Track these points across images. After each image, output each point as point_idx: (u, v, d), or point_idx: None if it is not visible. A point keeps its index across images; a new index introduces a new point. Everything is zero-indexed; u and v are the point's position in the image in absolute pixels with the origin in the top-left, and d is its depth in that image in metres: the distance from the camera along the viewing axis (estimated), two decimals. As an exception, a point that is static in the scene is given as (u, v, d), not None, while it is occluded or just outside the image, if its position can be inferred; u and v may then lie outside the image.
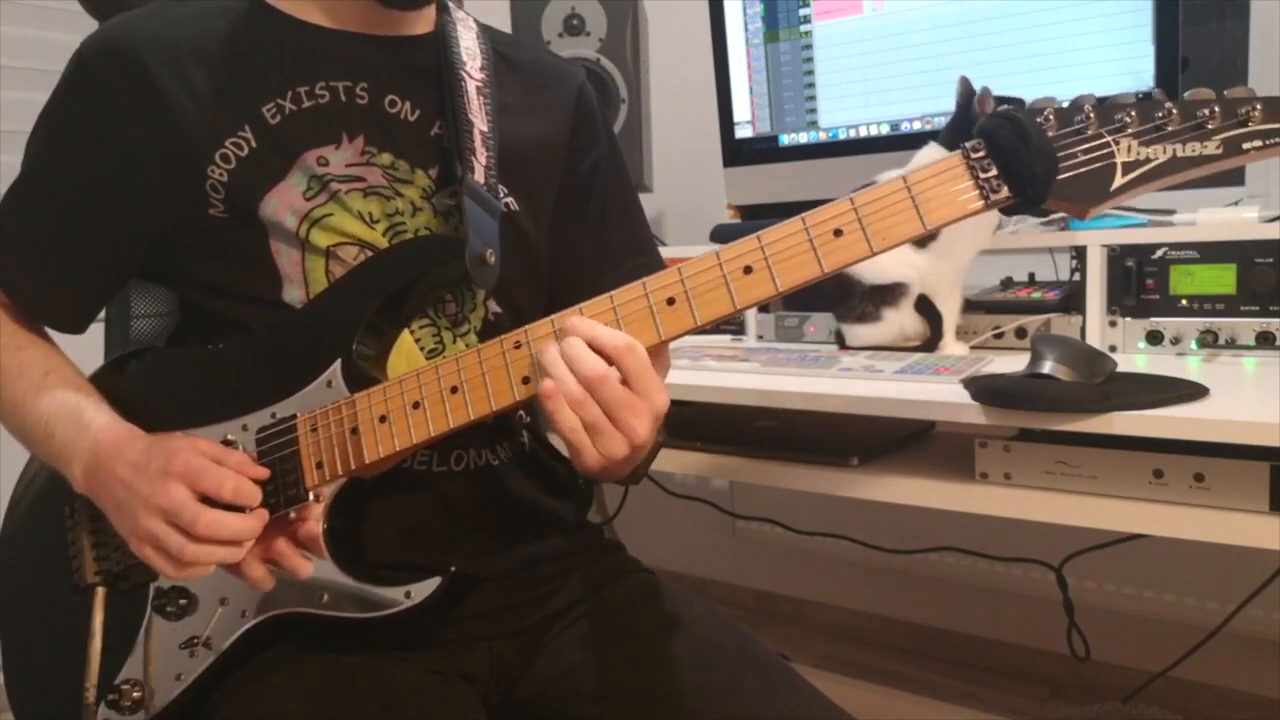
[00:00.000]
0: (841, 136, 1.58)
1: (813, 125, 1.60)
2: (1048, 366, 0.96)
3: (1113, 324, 1.22)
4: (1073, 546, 1.77)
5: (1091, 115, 0.72)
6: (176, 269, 0.91)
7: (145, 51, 0.85)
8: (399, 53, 0.90)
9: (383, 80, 0.89)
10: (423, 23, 0.93)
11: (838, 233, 0.72)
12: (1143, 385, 0.96)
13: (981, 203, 0.72)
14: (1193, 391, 0.93)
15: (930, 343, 1.27)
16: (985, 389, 0.97)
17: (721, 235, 1.65)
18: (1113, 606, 1.92)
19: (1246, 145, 0.71)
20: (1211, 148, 0.71)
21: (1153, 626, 1.87)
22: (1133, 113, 0.72)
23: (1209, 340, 1.16)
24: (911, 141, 1.36)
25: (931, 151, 1.29)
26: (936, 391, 1.04)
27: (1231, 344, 1.15)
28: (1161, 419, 0.90)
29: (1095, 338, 1.22)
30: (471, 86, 0.91)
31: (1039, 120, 0.72)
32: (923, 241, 1.27)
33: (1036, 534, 1.81)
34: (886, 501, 1.12)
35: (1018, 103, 1.22)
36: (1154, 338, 1.19)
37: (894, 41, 1.50)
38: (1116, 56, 1.33)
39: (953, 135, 1.27)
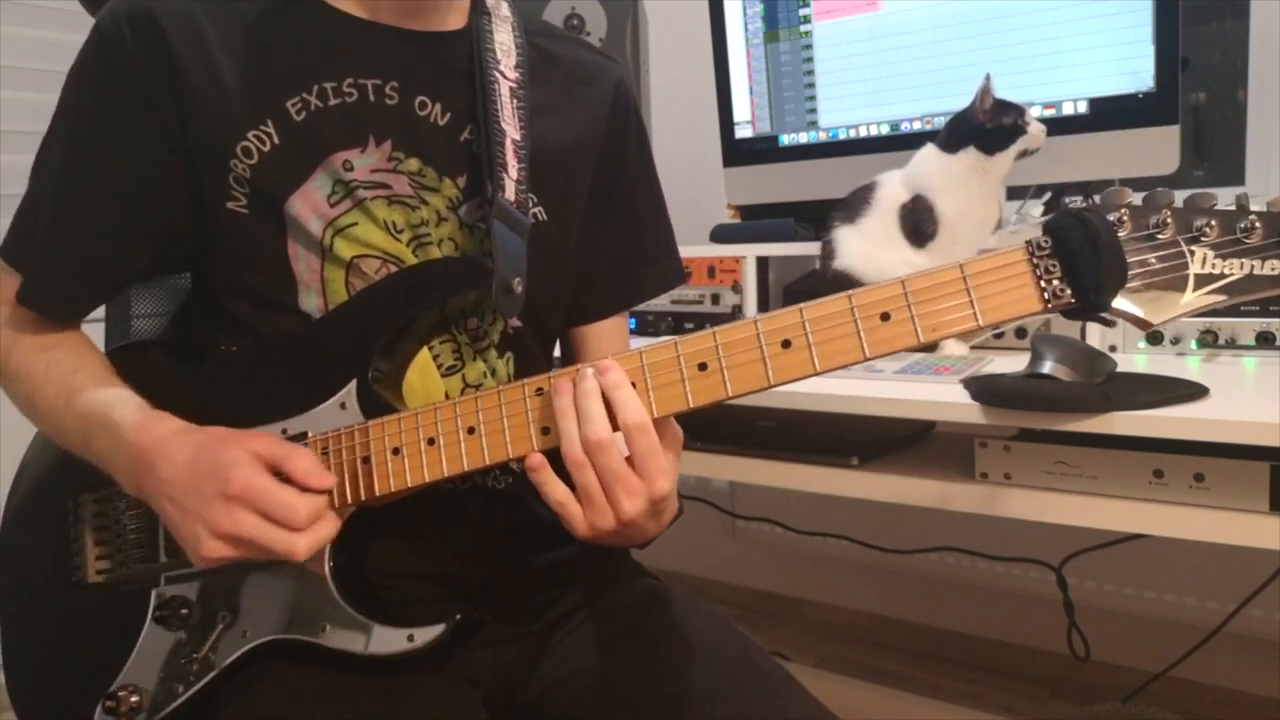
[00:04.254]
0: (841, 136, 1.58)
1: (813, 125, 1.60)
2: (1048, 366, 0.96)
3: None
4: (1073, 546, 1.77)
5: (1169, 220, 0.67)
6: (191, 260, 0.89)
7: (167, 24, 0.81)
8: (432, 50, 0.87)
9: (414, 80, 0.85)
10: (456, 16, 0.89)
11: (885, 317, 0.69)
12: (1143, 385, 0.96)
13: (1041, 306, 0.68)
14: (1193, 391, 0.93)
15: (930, 343, 1.27)
16: (985, 389, 0.97)
17: (722, 235, 1.65)
18: (1113, 606, 1.92)
19: None
20: None
21: (1153, 626, 1.87)
22: (1213, 222, 0.66)
23: (1209, 340, 1.16)
24: (911, 141, 1.36)
25: (929, 152, 1.29)
26: (936, 391, 1.04)
27: (1231, 344, 1.15)
28: (1161, 419, 0.90)
29: (1095, 338, 1.22)
30: (505, 89, 0.87)
31: (1112, 218, 0.67)
32: (922, 240, 1.28)
33: (1036, 534, 1.81)
34: (886, 501, 1.12)
35: (1017, 110, 1.23)
36: (1154, 338, 1.20)
37: (894, 41, 1.50)
38: (1116, 56, 1.33)
39: (951, 136, 1.27)
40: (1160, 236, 0.67)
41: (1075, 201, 0.66)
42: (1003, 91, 1.24)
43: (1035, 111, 1.33)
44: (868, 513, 2.10)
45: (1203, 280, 0.67)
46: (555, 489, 0.73)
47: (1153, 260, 0.67)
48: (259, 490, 0.72)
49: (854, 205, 1.34)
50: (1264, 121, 1.51)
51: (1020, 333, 1.30)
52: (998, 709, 1.87)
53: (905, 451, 1.20)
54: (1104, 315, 0.68)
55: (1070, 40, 1.36)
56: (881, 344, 0.69)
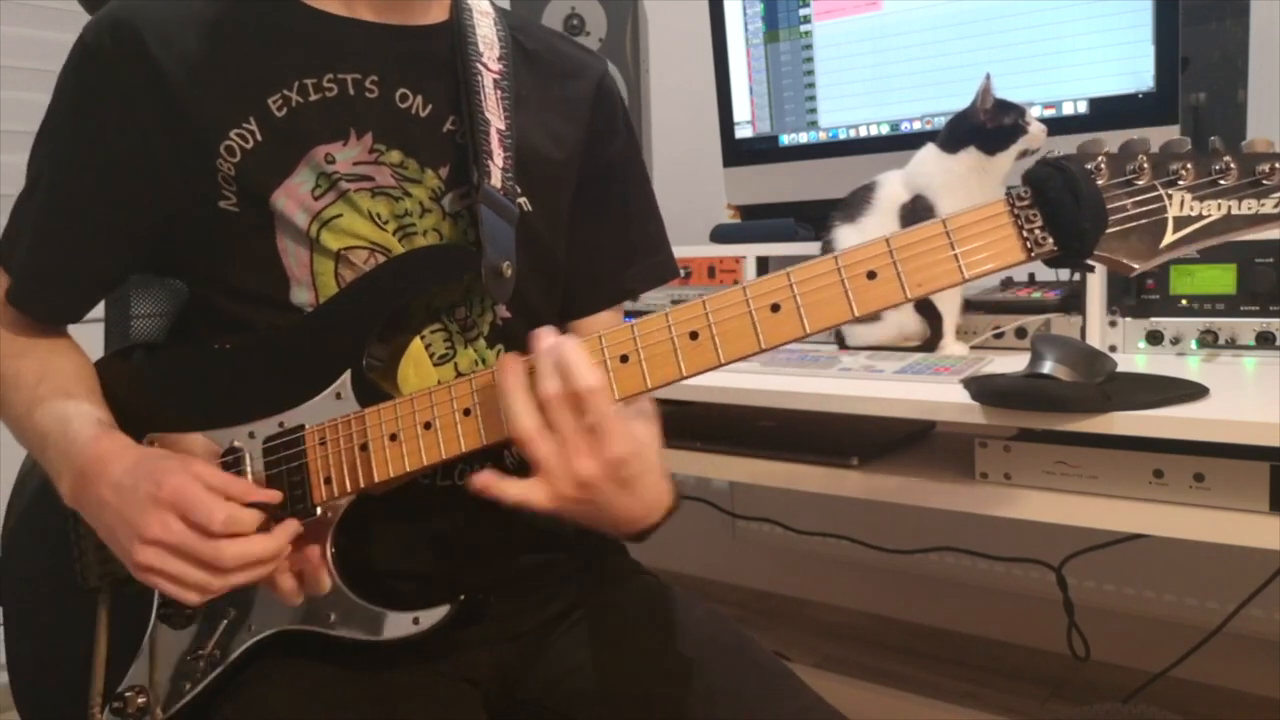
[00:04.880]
0: (841, 136, 1.58)
1: (813, 125, 1.60)
2: (1048, 366, 0.96)
3: (1113, 324, 1.22)
4: (1073, 546, 1.77)
5: (1145, 165, 0.68)
6: (182, 263, 0.89)
7: (147, 32, 0.82)
8: (412, 44, 0.88)
9: (394, 73, 0.86)
10: (437, 10, 0.90)
11: (871, 275, 0.69)
12: (1143, 385, 0.96)
13: (1025, 255, 0.69)
14: (1193, 391, 0.93)
15: (930, 343, 1.27)
16: (985, 389, 0.97)
17: (722, 235, 1.65)
18: (1113, 606, 1.92)
19: None
20: (1269, 206, 0.67)
21: (1153, 626, 1.88)
22: (1189, 165, 0.68)
23: (1209, 340, 1.16)
24: (911, 141, 1.36)
25: (929, 152, 1.29)
26: (936, 391, 1.04)
27: (1231, 344, 1.15)
28: (1161, 419, 0.89)
29: (1095, 338, 1.22)
30: (488, 80, 0.88)
31: (1090, 167, 0.68)
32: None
33: (1036, 534, 1.81)
34: (886, 501, 1.12)
35: (1017, 109, 1.23)
36: (1154, 338, 1.19)
37: (894, 41, 1.50)
38: (1116, 56, 1.33)
39: (951, 136, 1.27)
40: (1138, 182, 0.68)
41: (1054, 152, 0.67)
42: (1003, 91, 1.24)
43: (1035, 111, 1.33)
44: (868, 513, 2.10)
45: (1182, 222, 0.68)
46: (511, 491, 0.72)
47: (1130, 205, 0.68)
48: (188, 495, 0.73)
49: (854, 205, 1.34)
50: (1264, 121, 1.51)
51: (1020, 333, 1.30)
52: (998, 709, 1.87)
53: (905, 451, 1.20)
54: (1087, 262, 0.70)
55: (1070, 40, 1.36)
56: (870, 302, 0.70)
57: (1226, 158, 0.68)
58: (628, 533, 0.79)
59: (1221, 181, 0.68)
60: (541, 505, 0.72)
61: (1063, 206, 0.67)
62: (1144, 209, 0.68)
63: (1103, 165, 0.68)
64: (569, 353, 0.70)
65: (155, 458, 0.77)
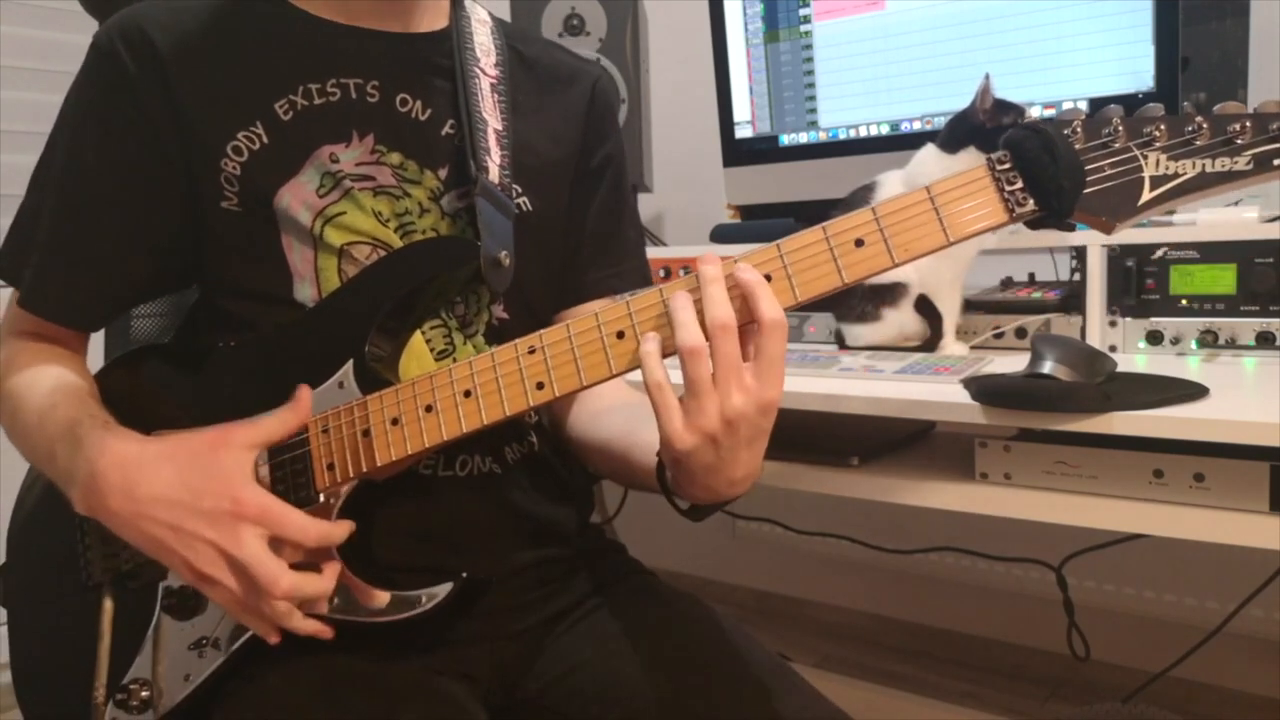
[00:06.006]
0: (841, 136, 1.58)
1: (813, 125, 1.60)
2: (1048, 366, 0.96)
3: (1113, 324, 1.22)
4: (1073, 546, 1.77)
5: (1120, 128, 0.70)
6: (191, 267, 0.91)
7: (157, 37, 0.85)
8: (411, 50, 0.90)
9: (394, 78, 0.89)
10: (435, 18, 0.93)
11: (859, 243, 0.71)
12: (1143, 385, 0.96)
13: (1007, 216, 0.70)
14: (1193, 391, 0.93)
15: (930, 343, 1.27)
16: (985, 389, 0.97)
17: (722, 235, 1.65)
18: (1113, 606, 1.92)
19: (1278, 161, 0.69)
20: (1241, 163, 0.69)
21: (1153, 626, 1.88)
22: (1162, 126, 0.70)
23: (1209, 340, 1.16)
24: (911, 141, 1.36)
25: (929, 152, 1.29)
26: (936, 391, 1.04)
27: (1231, 344, 1.15)
28: (1161, 419, 0.89)
29: (1095, 338, 1.22)
30: (485, 84, 0.91)
31: (1066, 132, 0.70)
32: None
33: (1036, 534, 1.81)
34: (886, 501, 1.12)
35: (1017, 110, 1.23)
36: (1154, 338, 1.19)
37: (894, 41, 1.50)
38: (1116, 57, 1.33)
39: (951, 136, 1.27)
40: (1114, 144, 0.71)
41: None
42: (1003, 91, 1.24)
43: (1035, 111, 1.33)
44: (868, 513, 2.10)
45: (1158, 181, 0.70)
46: (657, 368, 0.69)
47: (1107, 166, 0.71)
48: (274, 511, 0.73)
49: (854, 205, 1.33)
50: (1264, 121, 1.51)
51: (1020, 333, 1.30)
52: (998, 709, 1.87)
53: (905, 451, 1.20)
54: (1067, 221, 0.71)
55: (1070, 40, 1.36)
56: (857, 268, 0.72)
57: (1199, 119, 0.70)
58: (717, 496, 0.75)
59: (1195, 141, 0.70)
60: (674, 434, 0.69)
61: (1041, 167, 0.69)
62: (1120, 169, 0.71)
63: (1079, 129, 0.71)
64: (754, 282, 0.69)
65: (201, 460, 0.75)
